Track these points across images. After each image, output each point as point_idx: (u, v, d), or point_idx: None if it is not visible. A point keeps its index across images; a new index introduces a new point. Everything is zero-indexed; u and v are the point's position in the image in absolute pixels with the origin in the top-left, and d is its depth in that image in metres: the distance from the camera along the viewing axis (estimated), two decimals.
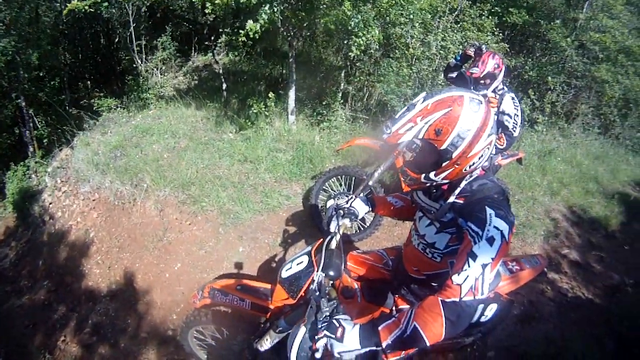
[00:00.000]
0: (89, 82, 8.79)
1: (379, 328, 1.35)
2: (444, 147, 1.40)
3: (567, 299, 3.79)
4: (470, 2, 6.56)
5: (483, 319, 1.87)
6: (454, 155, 1.41)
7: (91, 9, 6.10)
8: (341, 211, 2.04)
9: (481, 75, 3.35)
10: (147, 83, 6.44)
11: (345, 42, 4.96)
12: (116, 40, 8.90)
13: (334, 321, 1.41)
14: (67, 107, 8.42)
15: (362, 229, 4.03)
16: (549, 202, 5.00)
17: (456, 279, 1.30)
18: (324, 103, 5.74)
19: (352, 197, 2.13)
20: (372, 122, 5.71)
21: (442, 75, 4.07)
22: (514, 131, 3.50)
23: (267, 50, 8.21)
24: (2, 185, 9.19)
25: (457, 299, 1.28)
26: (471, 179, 1.52)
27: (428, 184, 1.55)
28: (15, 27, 7.67)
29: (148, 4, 7.49)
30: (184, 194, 4.79)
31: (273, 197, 4.59)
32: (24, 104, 8.36)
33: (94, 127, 6.51)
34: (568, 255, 4.34)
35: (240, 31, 4.12)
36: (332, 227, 1.95)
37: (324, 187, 4.10)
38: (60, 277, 5.32)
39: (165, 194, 4.86)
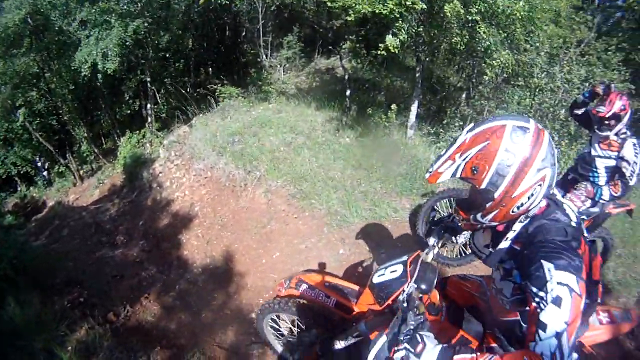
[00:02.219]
0: (210, 69, 9.52)
1: (455, 358, 1.22)
2: (483, 186, 1.22)
3: None
4: (595, 34, 6.21)
5: None
6: (495, 196, 1.22)
7: (226, 1, 6.62)
8: (443, 224, 1.95)
9: (607, 115, 3.26)
10: (269, 77, 6.87)
11: (468, 62, 4.96)
12: (243, 33, 9.58)
13: (417, 336, 1.33)
14: (187, 89, 9.28)
15: (462, 254, 3.96)
16: None
17: (533, 347, 1.12)
18: (443, 122, 5.71)
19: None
20: None
21: (568, 111, 3.98)
22: (631, 179, 3.33)
23: (388, 61, 8.26)
24: (114, 148, 10.24)
25: None
26: (527, 220, 1.31)
27: (478, 226, 1.39)
28: (149, 10, 8.54)
29: (278, 3, 7.96)
30: (295, 188, 4.95)
31: (381, 207, 4.60)
32: (149, 79, 9.33)
33: (214, 111, 6.99)
34: None
35: (380, 45, 4.32)
36: (431, 241, 1.89)
37: (434, 207, 4.07)
38: (157, 241, 5.63)
39: (277, 185, 5.08)
